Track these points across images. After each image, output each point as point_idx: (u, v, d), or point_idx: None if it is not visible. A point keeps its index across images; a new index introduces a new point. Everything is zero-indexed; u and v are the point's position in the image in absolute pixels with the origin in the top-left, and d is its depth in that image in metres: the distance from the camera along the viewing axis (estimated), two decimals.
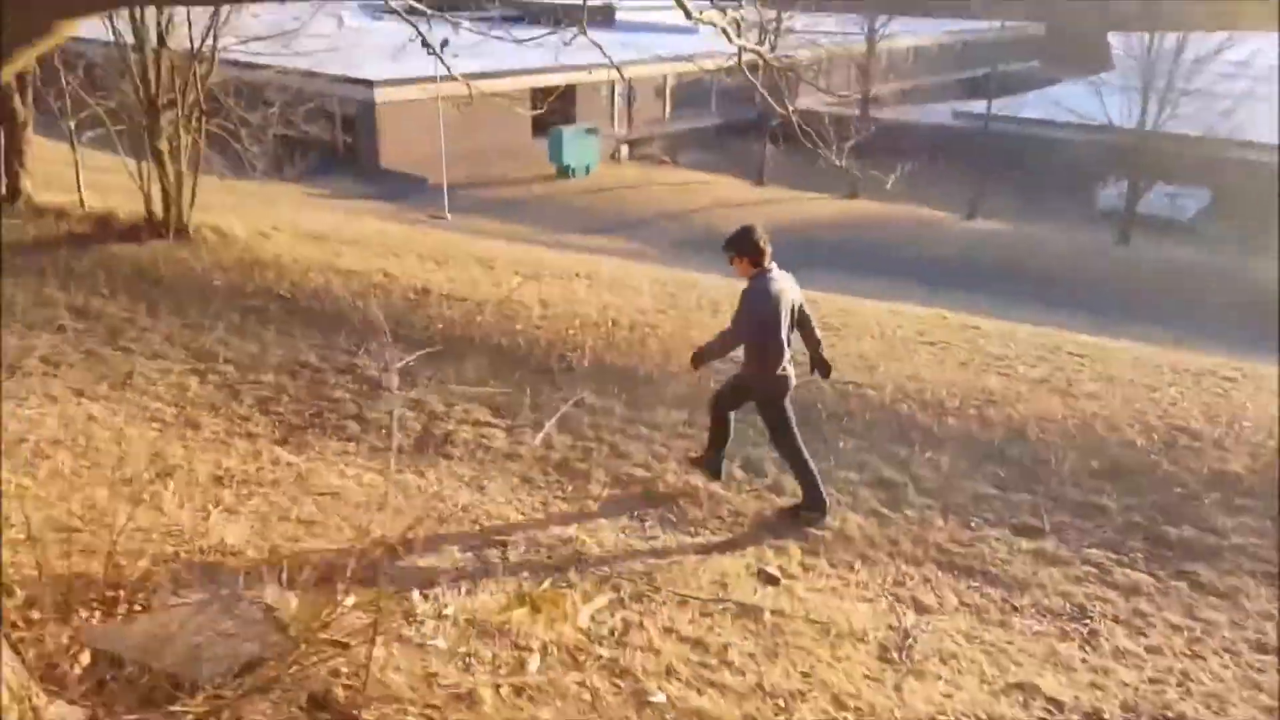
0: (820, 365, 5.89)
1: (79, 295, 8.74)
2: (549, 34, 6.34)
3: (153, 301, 8.67)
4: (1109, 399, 7.40)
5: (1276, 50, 31.38)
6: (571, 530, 5.37)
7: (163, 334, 8.03)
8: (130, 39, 9.83)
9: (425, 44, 7.06)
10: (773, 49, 37.87)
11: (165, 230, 10.04)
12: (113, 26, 9.90)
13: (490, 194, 31.30)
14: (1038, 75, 49.58)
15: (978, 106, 40.51)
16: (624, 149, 39.81)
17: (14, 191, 11.13)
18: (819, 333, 5.83)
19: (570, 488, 5.95)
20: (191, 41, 9.70)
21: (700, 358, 5.72)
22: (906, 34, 44.13)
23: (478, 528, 5.33)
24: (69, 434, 6.17)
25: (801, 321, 5.66)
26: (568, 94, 39.01)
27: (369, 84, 32.08)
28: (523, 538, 5.23)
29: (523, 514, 5.57)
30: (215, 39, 9.78)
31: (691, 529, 5.56)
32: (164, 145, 9.91)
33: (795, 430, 5.68)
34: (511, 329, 8.26)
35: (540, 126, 33.56)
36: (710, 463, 6.06)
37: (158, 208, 10.18)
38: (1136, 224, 32.17)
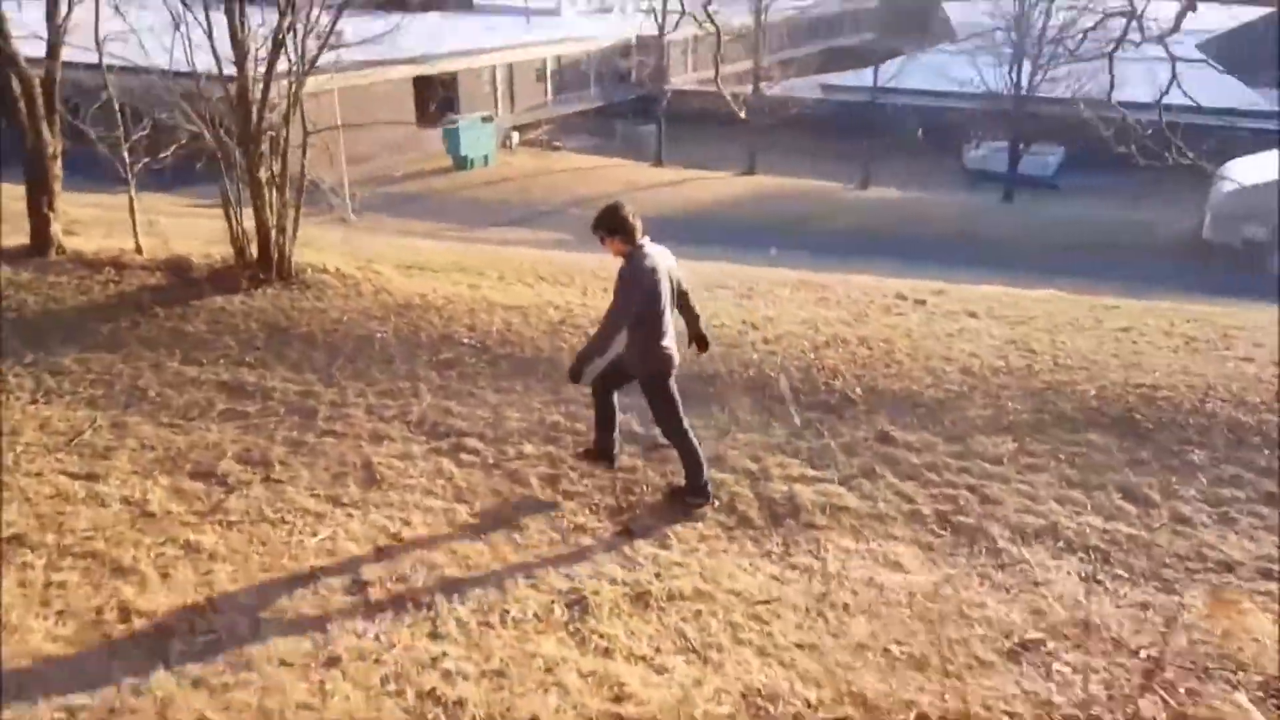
0: (698, 340, 5.62)
1: (219, 368, 7.07)
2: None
3: (318, 366, 7.10)
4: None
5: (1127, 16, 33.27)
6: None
7: (363, 407, 6.60)
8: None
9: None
10: (661, 30, 37.23)
11: (267, 274, 8.39)
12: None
13: (390, 191, 29.23)
14: (875, 48, 50.87)
15: (842, 79, 41.25)
16: (514, 136, 38.18)
17: (43, 240, 9.07)
18: (697, 307, 5.52)
19: (984, 547, 5.12)
20: (296, 54, 8.04)
21: (581, 365, 5.16)
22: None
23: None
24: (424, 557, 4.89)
25: (680, 296, 5.36)
26: (449, 82, 37.08)
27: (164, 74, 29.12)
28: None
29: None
30: (321, 49, 8.14)
31: None
32: (265, 175, 8.23)
33: (681, 411, 5.39)
34: (744, 357, 7.27)
35: (425, 117, 31.61)
36: (602, 450, 5.75)
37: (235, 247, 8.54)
38: (1002, 181, 33.64)
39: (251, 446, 6.12)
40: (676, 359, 5.36)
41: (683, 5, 26.73)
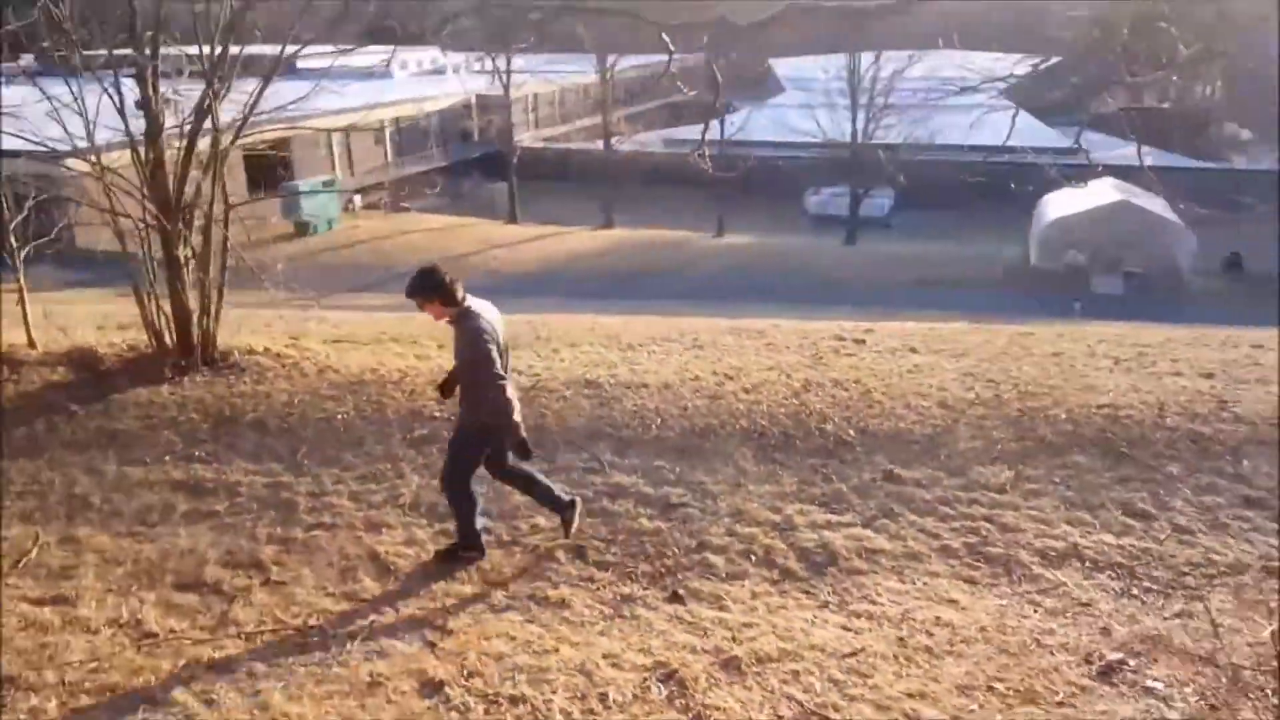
0: (446, 389, 5.44)
1: (167, 466, 6.37)
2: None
3: (281, 455, 6.49)
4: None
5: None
6: None
7: (346, 495, 6.04)
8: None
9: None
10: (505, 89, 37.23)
11: (189, 360, 7.67)
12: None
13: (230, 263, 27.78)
14: (704, 104, 52.74)
15: (682, 133, 42.50)
16: (356, 200, 37.22)
17: None
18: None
19: (1021, 574, 5.20)
20: (214, 121, 7.48)
21: (520, 433, 4.98)
22: (594, 71, 44.94)
23: None
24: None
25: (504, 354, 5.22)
26: (281, 146, 35.74)
27: (55, 154, 27.22)
28: None
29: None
30: (246, 117, 7.62)
31: None
32: (186, 253, 7.57)
33: (470, 477, 5.25)
34: (730, 408, 7.15)
35: (255, 183, 30.35)
36: (467, 540, 5.38)
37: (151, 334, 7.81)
38: (840, 224, 35.61)
39: (234, 549, 5.55)
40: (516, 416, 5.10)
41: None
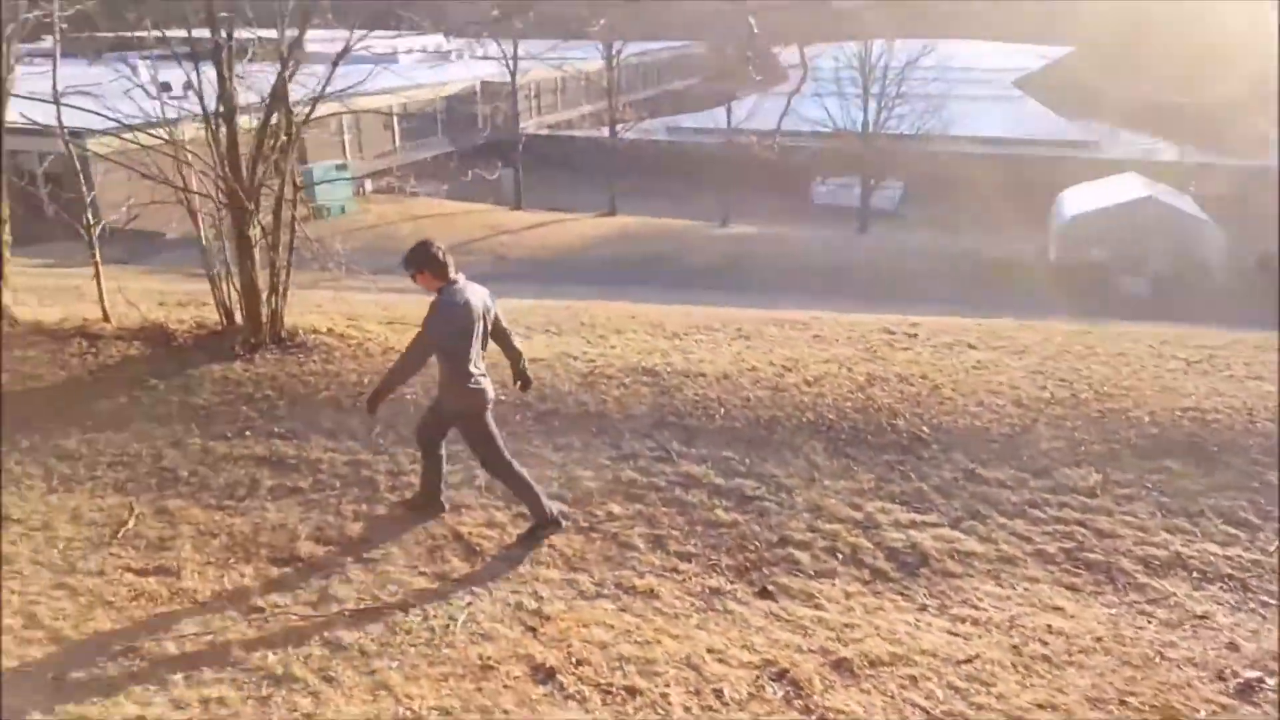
0: (521, 378, 5.63)
1: (249, 441, 6.33)
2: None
3: (357, 433, 6.38)
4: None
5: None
6: None
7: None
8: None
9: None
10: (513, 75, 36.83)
11: (258, 339, 7.53)
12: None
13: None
14: (701, 92, 52.22)
15: (696, 120, 42.22)
16: (367, 183, 36.96)
17: None
18: (518, 344, 5.56)
19: (1126, 583, 5.10)
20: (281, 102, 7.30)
21: (377, 396, 5.15)
22: (594, 58, 44.35)
23: None
24: None
25: (498, 334, 5.38)
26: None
27: (77, 134, 27.01)
28: None
29: None
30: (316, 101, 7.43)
31: None
32: (256, 233, 7.42)
33: (502, 446, 5.38)
34: (794, 400, 7.00)
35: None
36: (428, 499, 5.63)
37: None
38: (849, 214, 35.35)
39: (323, 525, 5.52)
40: (490, 395, 5.26)
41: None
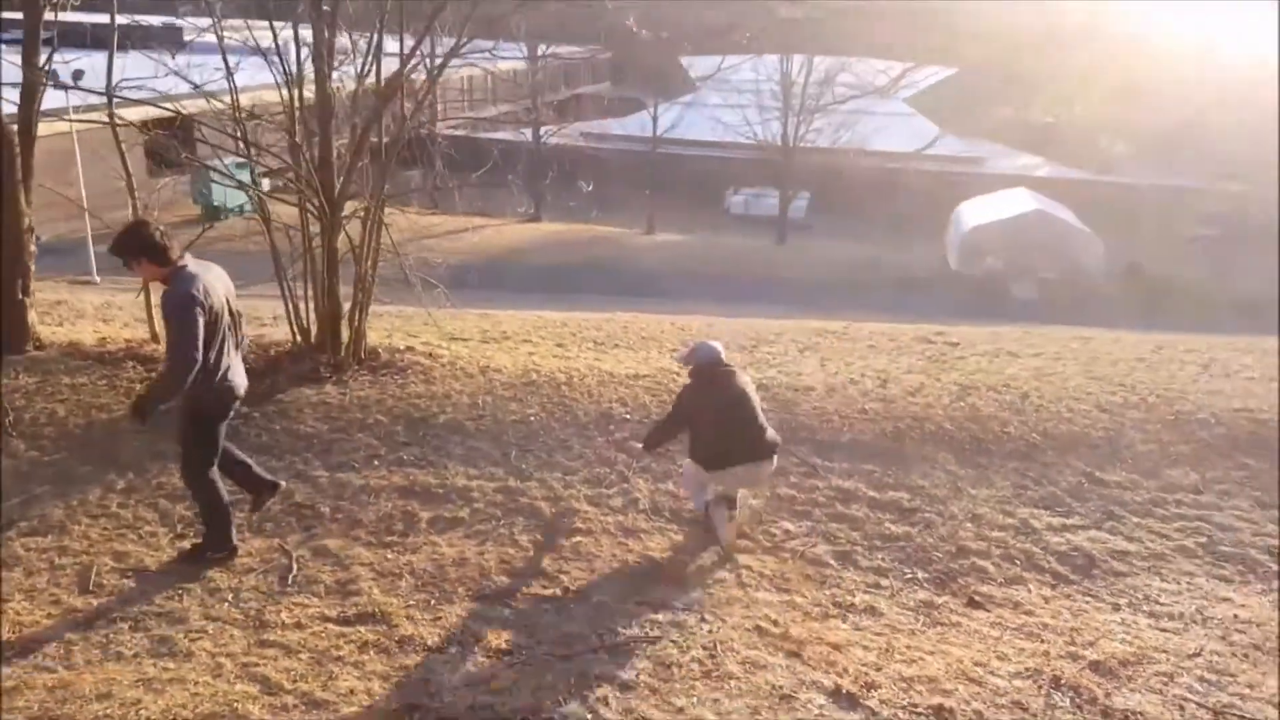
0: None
1: (381, 471, 5.89)
2: None
3: (492, 458, 6.08)
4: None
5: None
6: None
7: (583, 499, 5.76)
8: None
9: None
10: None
11: (336, 359, 7.12)
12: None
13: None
14: (612, 96, 52.63)
15: (624, 126, 42.22)
16: (264, 183, 35.28)
17: (17, 333, 7.08)
18: (246, 331, 5.01)
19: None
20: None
21: (146, 405, 4.52)
22: (507, 59, 44.03)
23: None
24: None
25: (234, 319, 4.74)
26: (184, 125, 33.46)
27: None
28: None
29: None
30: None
31: None
32: (341, 244, 7.03)
33: (216, 457, 4.82)
34: (901, 410, 7.16)
35: (156, 164, 28.49)
36: (215, 541, 4.97)
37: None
38: (762, 224, 36.25)
39: (505, 558, 5.23)
40: (240, 392, 4.77)
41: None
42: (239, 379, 4.73)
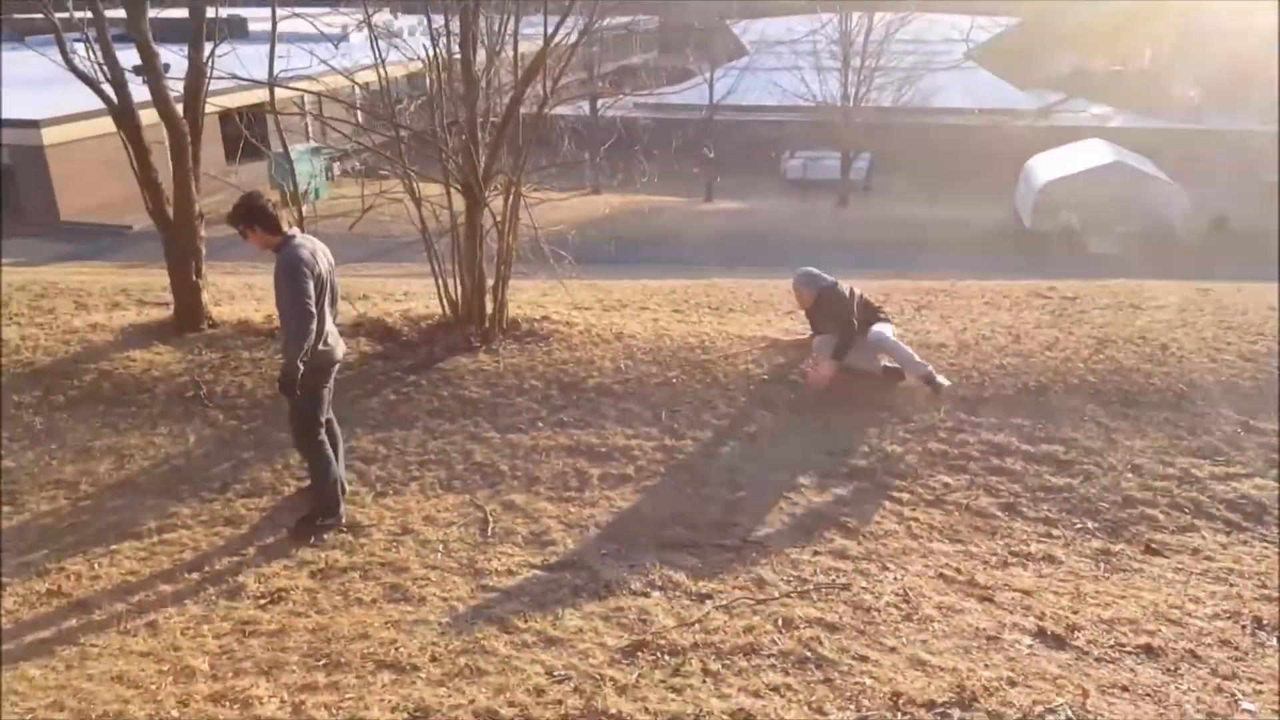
0: None
1: (544, 432, 6.18)
2: None
3: (645, 419, 6.32)
4: None
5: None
6: None
7: (765, 466, 5.98)
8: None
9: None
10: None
11: (481, 329, 7.36)
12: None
13: (220, 233, 26.65)
14: (660, 65, 52.22)
15: (680, 96, 42.03)
16: (334, 167, 35.82)
17: (192, 312, 7.47)
18: (340, 307, 5.40)
19: None
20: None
21: (292, 372, 4.75)
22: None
23: None
24: None
25: (333, 292, 5.07)
26: (255, 113, 34.13)
27: (33, 124, 25.78)
28: None
29: None
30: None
31: None
32: (488, 220, 7.25)
33: (322, 422, 5.10)
34: (1041, 364, 7.14)
35: (234, 151, 29.08)
36: (326, 508, 5.18)
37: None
38: (820, 187, 35.90)
39: (681, 512, 5.47)
40: (338, 356, 5.09)
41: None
42: (338, 344, 5.09)
